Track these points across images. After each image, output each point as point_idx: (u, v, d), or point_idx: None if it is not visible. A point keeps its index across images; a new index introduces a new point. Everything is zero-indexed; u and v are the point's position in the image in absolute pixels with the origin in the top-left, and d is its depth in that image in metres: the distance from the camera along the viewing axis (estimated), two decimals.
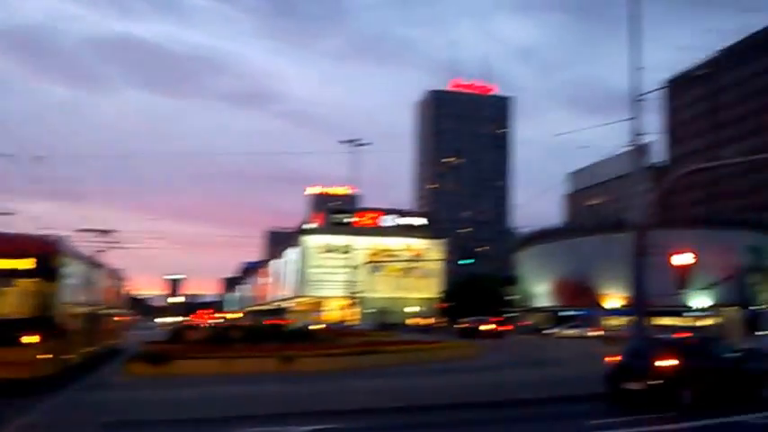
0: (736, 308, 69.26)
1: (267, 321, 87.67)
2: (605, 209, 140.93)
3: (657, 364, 14.57)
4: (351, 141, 63.44)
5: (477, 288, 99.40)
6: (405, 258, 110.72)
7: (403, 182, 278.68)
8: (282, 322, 76.46)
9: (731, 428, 12.92)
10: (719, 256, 70.27)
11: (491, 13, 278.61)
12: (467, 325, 58.42)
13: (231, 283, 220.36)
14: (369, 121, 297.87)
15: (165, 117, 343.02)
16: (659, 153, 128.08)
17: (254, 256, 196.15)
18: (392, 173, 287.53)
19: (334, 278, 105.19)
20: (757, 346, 24.13)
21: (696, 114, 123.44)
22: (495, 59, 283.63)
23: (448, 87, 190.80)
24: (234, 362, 21.72)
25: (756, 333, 40.43)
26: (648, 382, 14.44)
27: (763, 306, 65.69)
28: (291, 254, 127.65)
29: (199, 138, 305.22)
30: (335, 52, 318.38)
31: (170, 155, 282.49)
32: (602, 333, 58.23)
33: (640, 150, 22.57)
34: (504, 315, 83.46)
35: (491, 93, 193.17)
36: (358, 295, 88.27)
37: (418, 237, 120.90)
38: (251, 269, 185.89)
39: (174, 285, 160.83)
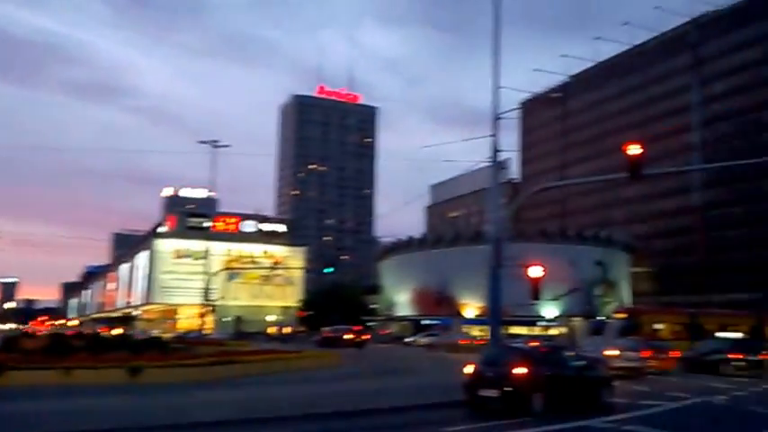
0: (581, 318, 73.66)
1: (103, 329, 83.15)
2: (464, 221, 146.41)
3: (511, 371, 14.98)
4: (209, 142, 61.15)
5: (338, 297, 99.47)
6: (264, 266, 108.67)
7: (264, 187, 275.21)
8: (118, 331, 72.42)
9: None
10: (568, 268, 74.83)
11: (357, 22, 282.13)
12: (327, 334, 58.02)
13: (74, 289, 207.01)
14: (229, 122, 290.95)
15: (3, 107, 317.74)
16: (515, 170, 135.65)
17: (101, 259, 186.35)
18: (253, 177, 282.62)
19: (188, 285, 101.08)
20: (594, 350, 25.71)
21: (548, 135, 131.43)
22: (360, 69, 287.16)
23: (313, 93, 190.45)
24: (75, 373, 20.13)
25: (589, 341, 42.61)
26: (503, 390, 14.85)
27: (606, 316, 70.21)
28: (141, 258, 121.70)
29: (42, 130, 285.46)
30: (193, 48, 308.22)
31: (8, 148, 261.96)
32: (429, 342, 59.87)
33: (499, 166, 23.07)
34: (366, 324, 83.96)
35: (356, 101, 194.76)
36: (214, 303, 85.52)
37: (279, 244, 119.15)
38: (96, 273, 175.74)
39: (7, 289, 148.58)
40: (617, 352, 29.33)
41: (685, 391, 20.37)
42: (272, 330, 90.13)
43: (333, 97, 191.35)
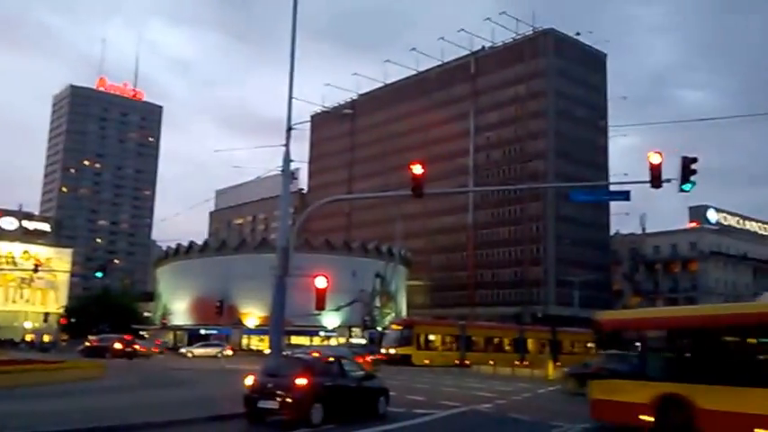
0: (360, 328, 75.41)
1: None
2: (250, 228, 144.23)
3: (290, 382, 14.76)
4: None
5: (108, 303, 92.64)
6: (24, 267, 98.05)
7: (31, 183, 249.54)
8: None
9: None
10: (351, 279, 76.42)
11: (146, 18, 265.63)
12: (94, 343, 53.66)
13: None
14: None
15: None
16: (303, 180, 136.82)
17: None
18: (17, 171, 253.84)
19: None
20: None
21: (337, 149, 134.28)
22: (146, 66, 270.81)
23: (93, 86, 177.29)
24: None
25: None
26: (282, 400, 14.58)
27: (384, 327, 72.57)
28: None
29: None
30: None
31: None
32: (190, 354, 57.74)
33: (288, 176, 22.67)
34: (139, 333, 79.17)
35: (141, 98, 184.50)
36: None
37: (42, 244, 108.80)
38: None
39: None
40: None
41: (458, 400, 21.32)
42: (30, 338, 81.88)
43: (114, 92, 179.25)
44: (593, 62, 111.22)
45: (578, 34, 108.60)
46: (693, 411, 13.39)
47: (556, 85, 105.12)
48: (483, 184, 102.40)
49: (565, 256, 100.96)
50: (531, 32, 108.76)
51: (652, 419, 14.05)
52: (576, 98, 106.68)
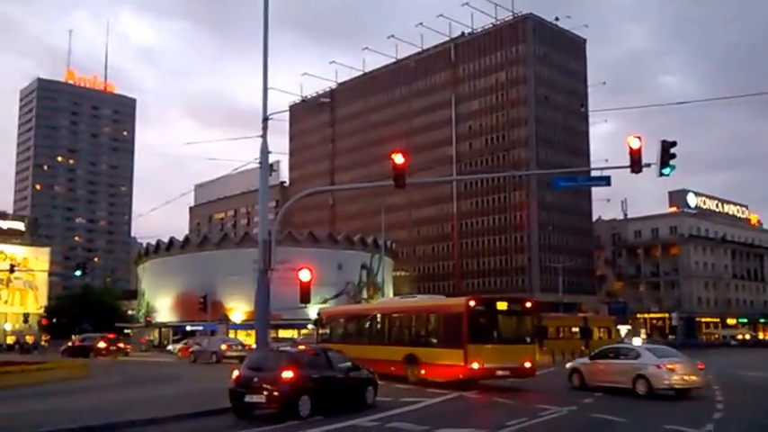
0: None
1: None
2: (231, 223, 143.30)
3: (276, 375, 14.82)
4: None
5: (89, 302, 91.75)
6: (0, 268, 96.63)
7: (2, 181, 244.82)
8: None
9: None
10: (337, 272, 76.21)
11: (113, 7, 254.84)
12: (77, 342, 53.26)
13: None
14: None
15: None
16: (284, 173, 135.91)
17: None
18: None
19: None
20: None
21: (317, 140, 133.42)
22: (115, 58, 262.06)
23: (62, 79, 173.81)
24: None
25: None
26: (268, 394, 14.64)
27: None
28: None
29: None
30: None
31: None
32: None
33: (267, 168, 22.58)
34: (123, 331, 78.60)
35: (112, 91, 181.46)
36: None
37: (17, 243, 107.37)
38: None
39: None
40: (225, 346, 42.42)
41: (446, 388, 21.30)
42: (11, 340, 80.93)
43: (84, 85, 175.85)
44: (573, 48, 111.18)
45: (557, 19, 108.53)
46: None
47: (536, 72, 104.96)
48: (466, 173, 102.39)
49: (548, 243, 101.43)
50: (511, 18, 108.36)
51: None
52: (556, 84, 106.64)
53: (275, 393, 14.58)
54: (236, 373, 15.73)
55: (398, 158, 20.71)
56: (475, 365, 21.10)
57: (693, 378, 19.88)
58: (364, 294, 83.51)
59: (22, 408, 16.74)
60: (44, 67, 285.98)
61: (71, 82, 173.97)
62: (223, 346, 42.93)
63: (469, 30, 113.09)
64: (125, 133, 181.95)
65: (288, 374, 14.78)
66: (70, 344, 55.21)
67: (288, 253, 58.14)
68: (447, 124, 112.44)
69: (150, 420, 14.58)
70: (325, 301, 68.92)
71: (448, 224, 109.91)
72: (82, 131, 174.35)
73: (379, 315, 27.56)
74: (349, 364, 17.46)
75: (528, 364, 22.33)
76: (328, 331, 30.11)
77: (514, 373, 22.26)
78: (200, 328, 75.02)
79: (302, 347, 20.56)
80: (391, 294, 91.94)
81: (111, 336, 58.85)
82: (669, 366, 19.59)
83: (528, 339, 23.49)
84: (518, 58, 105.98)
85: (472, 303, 22.25)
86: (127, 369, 35.39)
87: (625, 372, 20.49)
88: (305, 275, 22.90)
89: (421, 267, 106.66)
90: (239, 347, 43.44)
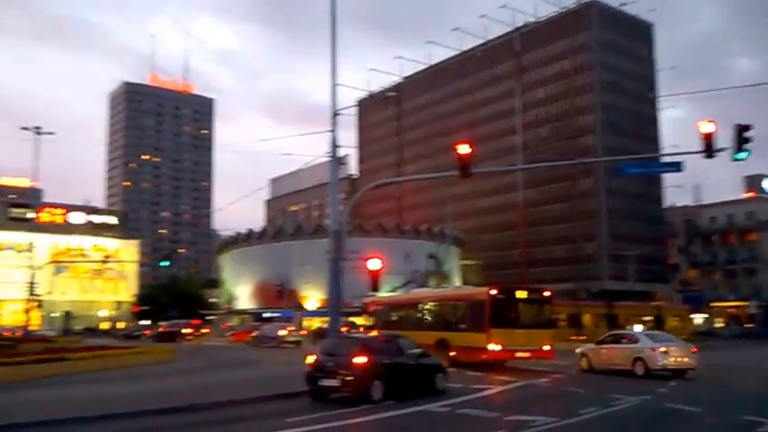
0: None
1: None
2: (305, 215, 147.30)
3: (350, 361, 15.27)
4: (31, 128, 56.25)
5: (176, 291, 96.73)
6: (95, 259, 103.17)
7: (94, 178, 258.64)
8: None
9: (419, 417, 13.88)
10: (404, 261, 78.11)
11: (191, 13, 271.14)
12: (165, 328, 56.76)
13: None
14: (56, 110, 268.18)
15: None
16: (353, 166, 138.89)
17: None
18: (81, 168, 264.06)
19: (10, 279, 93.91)
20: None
21: (384, 133, 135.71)
22: (194, 60, 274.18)
23: (146, 82, 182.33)
24: None
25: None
26: (342, 379, 15.17)
27: None
28: None
29: None
30: (19, 32, 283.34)
31: None
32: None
33: (337, 162, 23.35)
34: (206, 318, 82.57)
35: (191, 92, 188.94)
36: (40, 298, 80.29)
37: (110, 236, 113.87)
38: None
39: None
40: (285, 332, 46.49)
41: (515, 375, 21.58)
42: (105, 325, 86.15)
43: (167, 87, 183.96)
44: (640, 33, 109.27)
45: (623, 5, 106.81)
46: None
47: (602, 58, 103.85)
48: (532, 161, 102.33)
49: (618, 230, 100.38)
50: (575, 5, 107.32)
51: None
52: (623, 70, 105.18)
53: (348, 378, 15.04)
54: (312, 357, 16.26)
55: (464, 149, 20.70)
56: (497, 347, 23.20)
57: (686, 360, 21.87)
58: (431, 283, 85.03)
59: (124, 389, 18.13)
60: (129, 70, 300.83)
61: (155, 85, 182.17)
62: (282, 332, 46.62)
63: (533, 19, 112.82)
64: (204, 131, 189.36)
65: (360, 360, 15.18)
66: (159, 330, 58.97)
67: (357, 243, 60.04)
68: (512, 113, 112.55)
69: (232, 402, 15.43)
70: (394, 290, 70.48)
71: (514, 213, 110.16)
72: (165, 131, 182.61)
73: (415, 304, 30.35)
74: (419, 350, 17.66)
75: (547, 347, 24.21)
76: (373, 318, 33.11)
77: (534, 355, 24.24)
78: (278, 314, 78.61)
79: (373, 333, 22.05)
80: (458, 283, 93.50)
81: (196, 322, 62.58)
82: (663, 350, 21.56)
83: (547, 324, 25.40)
84: (583, 45, 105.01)
85: (494, 292, 24.26)
86: (210, 353, 37.16)
87: (625, 356, 22.46)
88: (374, 265, 23.92)
89: (487, 256, 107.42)
90: (296, 333, 47.13)
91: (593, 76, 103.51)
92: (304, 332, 54.88)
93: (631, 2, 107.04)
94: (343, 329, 40.87)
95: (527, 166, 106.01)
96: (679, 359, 21.79)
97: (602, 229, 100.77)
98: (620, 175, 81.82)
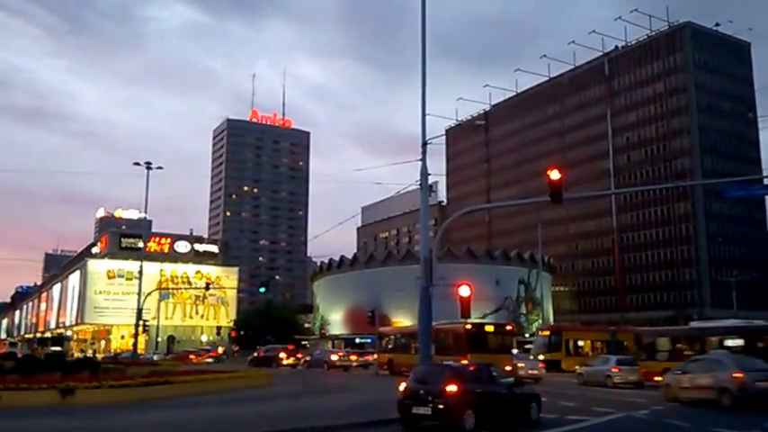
0: None
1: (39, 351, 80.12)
2: (395, 241, 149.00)
3: (441, 389, 15.00)
4: (142, 164, 60.27)
5: (272, 316, 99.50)
6: (197, 286, 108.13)
7: (198, 209, 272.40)
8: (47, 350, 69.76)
9: None
10: (495, 287, 77.80)
11: (289, 53, 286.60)
12: (261, 353, 58.31)
13: (4, 309, 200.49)
14: (164, 147, 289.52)
15: None
16: (442, 193, 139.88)
17: (32, 279, 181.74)
18: (186, 200, 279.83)
19: (121, 305, 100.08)
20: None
21: (473, 160, 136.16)
22: (291, 97, 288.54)
23: (247, 118, 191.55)
24: (4, 395, 19.01)
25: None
26: (434, 407, 14.84)
27: (531, 334, 73.31)
28: (74, 278, 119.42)
29: None
30: (131, 75, 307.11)
31: None
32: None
33: (427, 189, 23.56)
34: (300, 343, 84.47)
35: (289, 126, 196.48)
36: (147, 323, 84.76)
37: (212, 264, 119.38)
38: (26, 294, 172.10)
39: None
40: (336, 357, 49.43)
41: (611, 406, 20.78)
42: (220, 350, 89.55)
43: (266, 122, 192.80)
44: (736, 52, 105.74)
45: (717, 25, 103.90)
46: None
47: (697, 80, 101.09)
48: (625, 185, 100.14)
49: (719, 255, 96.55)
50: (667, 28, 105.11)
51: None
52: (719, 91, 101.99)
53: (440, 406, 14.70)
54: (403, 385, 15.99)
55: (554, 174, 20.50)
56: None
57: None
58: (522, 310, 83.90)
59: (229, 411, 18.56)
60: (232, 108, 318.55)
61: (254, 120, 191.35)
62: (333, 357, 49.74)
63: (623, 43, 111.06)
64: (301, 163, 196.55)
65: (452, 388, 14.85)
66: (256, 354, 60.47)
67: (447, 269, 60.24)
68: (603, 138, 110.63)
69: (329, 427, 15.57)
70: (484, 316, 70.48)
71: (608, 238, 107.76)
72: (264, 163, 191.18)
73: (412, 333, 35.28)
74: (512, 379, 17.44)
75: (508, 368, 28.66)
76: (383, 344, 43.73)
77: None
78: (369, 340, 79.59)
79: (464, 362, 22.07)
80: (551, 310, 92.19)
81: (291, 347, 64.15)
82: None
83: (508, 350, 34.51)
84: (677, 67, 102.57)
85: (468, 326, 32.11)
86: (307, 378, 37.82)
87: (710, 384, 21.00)
88: (465, 291, 23.58)
89: (580, 282, 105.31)
90: (346, 359, 49.55)
91: (689, 98, 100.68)
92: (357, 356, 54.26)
93: (727, 21, 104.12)
94: (352, 357, 49.74)
95: (619, 190, 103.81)
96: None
97: (701, 254, 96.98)
98: (722, 197, 79.03)
